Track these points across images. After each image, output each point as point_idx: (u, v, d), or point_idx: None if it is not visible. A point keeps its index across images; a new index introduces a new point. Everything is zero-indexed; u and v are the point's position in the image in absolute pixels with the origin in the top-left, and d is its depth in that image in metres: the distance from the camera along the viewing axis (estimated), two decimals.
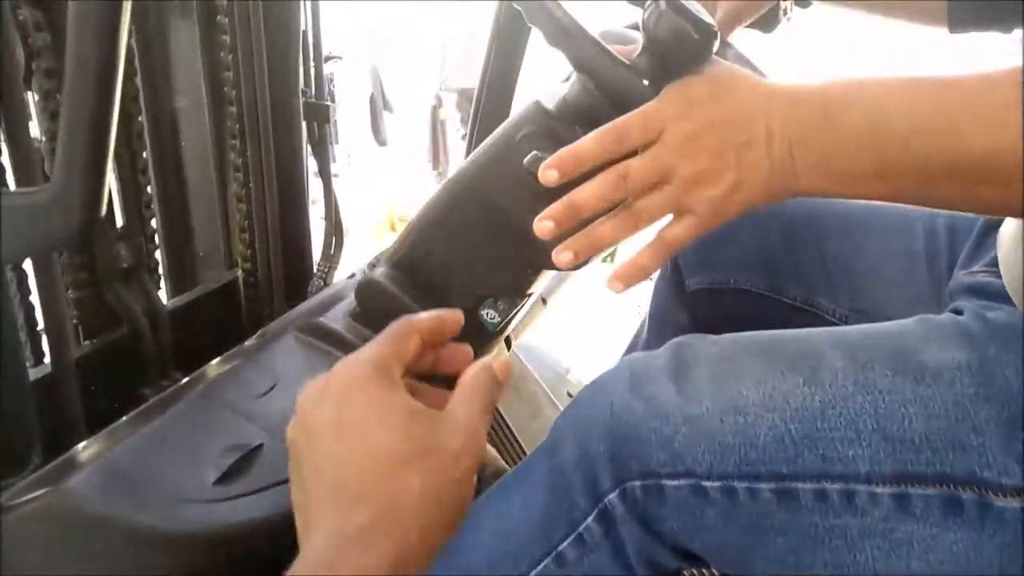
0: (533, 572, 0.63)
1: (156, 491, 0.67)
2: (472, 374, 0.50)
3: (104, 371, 0.95)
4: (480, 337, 0.82)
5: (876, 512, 0.55)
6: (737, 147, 0.58)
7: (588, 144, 0.61)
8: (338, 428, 0.45)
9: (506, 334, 0.96)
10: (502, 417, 1.08)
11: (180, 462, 0.70)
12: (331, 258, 1.17)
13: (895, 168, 0.56)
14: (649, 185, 0.60)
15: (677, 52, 0.61)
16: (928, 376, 0.56)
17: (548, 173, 0.61)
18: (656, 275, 1.08)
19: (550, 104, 0.70)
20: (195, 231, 1.15)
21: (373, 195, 4.55)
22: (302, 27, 1.07)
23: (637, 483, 0.60)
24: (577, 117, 0.68)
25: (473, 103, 1.30)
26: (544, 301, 1.17)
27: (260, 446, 0.71)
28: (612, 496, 0.61)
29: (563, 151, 0.61)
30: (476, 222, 0.74)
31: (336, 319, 0.87)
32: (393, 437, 0.44)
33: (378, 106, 4.13)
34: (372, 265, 0.88)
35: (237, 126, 1.05)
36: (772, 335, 0.64)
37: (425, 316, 0.52)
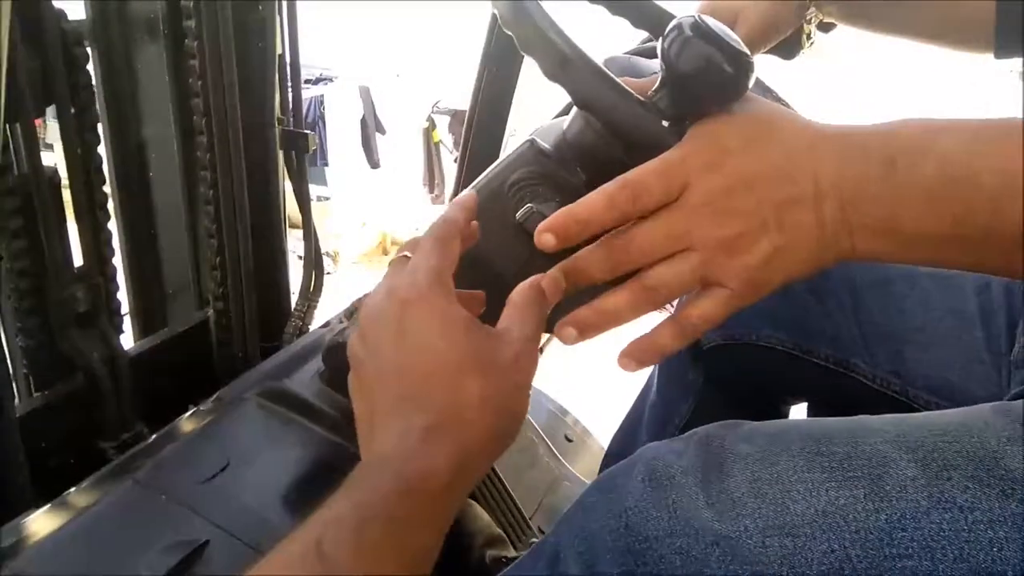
0: None
1: None
2: (522, 292, 0.51)
3: (57, 424, 0.87)
4: None
5: None
6: (777, 206, 0.48)
7: (595, 203, 0.51)
8: (400, 341, 0.46)
9: None
10: (495, 472, 0.99)
11: (119, 559, 0.60)
12: (310, 297, 1.09)
13: (978, 233, 0.45)
14: (666, 253, 0.51)
15: (705, 88, 0.51)
16: (1020, 489, 0.45)
17: (545, 238, 0.51)
18: None
19: (547, 143, 0.60)
20: (163, 269, 1.07)
21: (365, 218, 4.48)
22: (278, 51, 1.00)
23: None
24: (579, 158, 0.59)
25: (464, 126, 1.23)
26: None
27: (205, 544, 0.61)
28: None
29: (563, 212, 0.51)
30: (463, 279, 0.65)
31: (303, 383, 0.78)
32: (453, 348, 0.45)
33: (370, 128, 4.07)
34: (349, 313, 0.80)
35: (208, 156, 0.98)
36: (818, 427, 0.53)
37: (454, 210, 0.52)
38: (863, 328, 0.80)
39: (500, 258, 0.56)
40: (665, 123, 0.52)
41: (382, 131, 4.15)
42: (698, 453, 0.53)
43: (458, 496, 0.45)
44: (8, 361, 0.80)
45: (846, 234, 0.48)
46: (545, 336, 1.11)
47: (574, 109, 0.58)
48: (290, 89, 1.03)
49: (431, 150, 3.61)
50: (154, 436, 0.75)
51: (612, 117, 0.53)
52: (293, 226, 1.18)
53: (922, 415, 0.53)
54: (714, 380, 0.93)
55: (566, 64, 0.51)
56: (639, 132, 0.53)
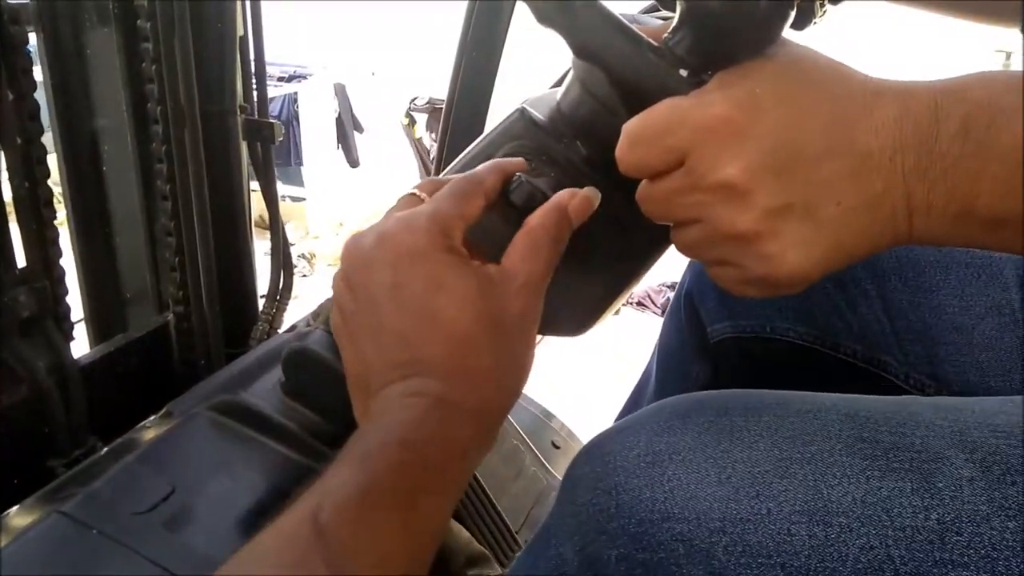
0: None
1: None
2: (539, 218, 0.45)
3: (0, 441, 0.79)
4: None
5: None
6: (819, 185, 0.40)
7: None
8: (397, 296, 0.42)
9: None
10: (477, 483, 0.92)
11: None
12: (279, 299, 1.02)
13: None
14: (678, 220, 0.45)
15: (734, 26, 0.41)
16: None
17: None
18: (664, 320, 0.91)
19: (540, 114, 0.53)
20: (119, 270, 1.00)
21: (343, 219, 4.40)
22: (239, 32, 0.92)
23: None
24: (576, 129, 0.51)
25: (441, 121, 1.17)
26: None
27: None
28: None
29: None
30: None
31: (263, 394, 0.71)
32: (462, 313, 0.42)
33: (347, 126, 3.99)
34: (316, 315, 0.73)
35: (164, 148, 0.90)
36: (862, 407, 0.47)
37: (487, 169, 0.47)
38: (895, 324, 0.72)
39: (486, 235, 0.48)
40: (684, 72, 0.44)
41: (359, 129, 4.08)
42: (709, 422, 0.47)
43: (471, 466, 0.43)
44: None
45: (904, 216, 0.41)
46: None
47: (569, 75, 0.51)
48: (253, 75, 0.96)
49: (416, 146, 3.53)
50: (85, 462, 0.66)
51: (618, 66, 0.45)
52: (260, 226, 1.11)
53: (976, 408, 0.46)
54: (724, 376, 0.85)
55: (563, 3, 0.43)
56: (651, 84, 0.44)
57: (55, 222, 0.84)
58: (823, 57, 0.43)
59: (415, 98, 3.56)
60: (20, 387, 0.82)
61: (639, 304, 3.44)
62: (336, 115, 3.91)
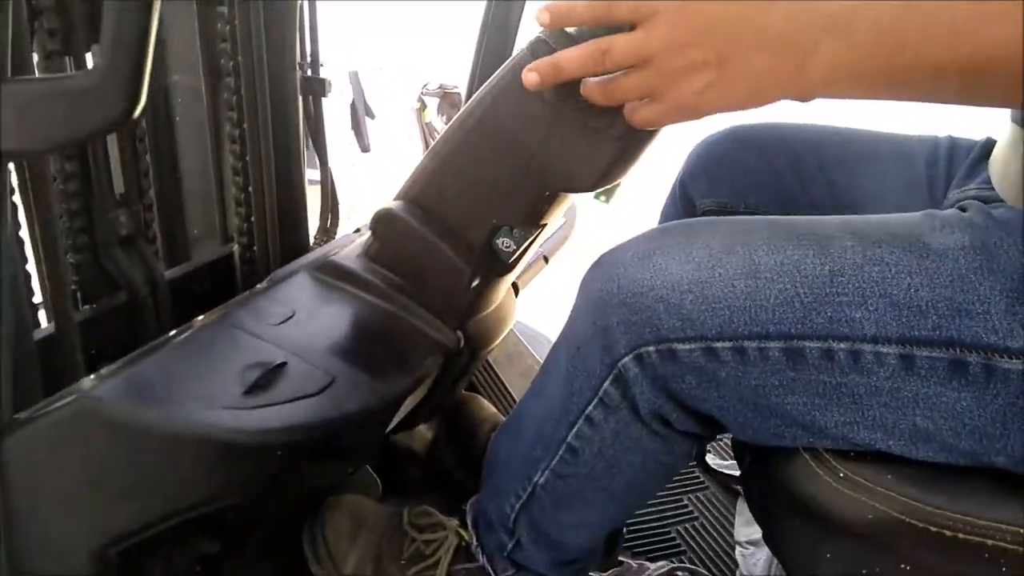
0: (571, 433, 0.74)
1: (184, 399, 0.69)
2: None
3: (100, 337, 0.94)
4: (494, 267, 0.86)
5: (882, 371, 0.60)
6: (723, 46, 0.58)
7: (572, 53, 0.63)
8: None
9: (516, 274, 0.99)
10: (500, 381, 1.09)
11: (205, 376, 0.72)
12: (327, 232, 1.17)
13: (905, 75, 0.55)
14: (629, 65, 0.61)
15: None
16: (933, 254, 0.60)
17: (529, 76, 0.64)
18: (664, 202, 1.12)
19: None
20: (190, 205, 1.15)
21: (355, 203, 4.54)
22: (298, 1, 1.08)
23: (652, 348, 0.65)
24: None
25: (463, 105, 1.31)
26: (546, 259, 1.19)
27: (284, 364, 0.73)
28: (626, 360, 0.67)
29: (545, 59, 0.64)
30: (490, 152, 0.77)
31: (351, 258, 0.89)
32: None
33: (360, 113, 4.13)
34: (357, 229, 0.90)
35: (234, 98, 1.06)
36: (787, 218, 0.67)
37: None
38: (834, 197, 0.94)
39: (522, 126, 0.70)
40: None
41: (371, 116, 4.21)
42: (683, 230, 0.68)
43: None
44: (66, 274, 0.88)
45: (793, 76, 0.57)
46: (545, 263, 1.20)
47: None
48: (308, 37, 1.11)
49: (424, 130, 3.68)
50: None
51: None
52: None
53: (867, 216, 0.67)
54: None
55: None
56: None
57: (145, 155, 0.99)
58: None
59: (426, 83, 3.71)
60: (119, 294, 0.97)
61: None
62: (350, 101, 4.05)
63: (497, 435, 0.91)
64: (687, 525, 1.20)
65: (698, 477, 1.31)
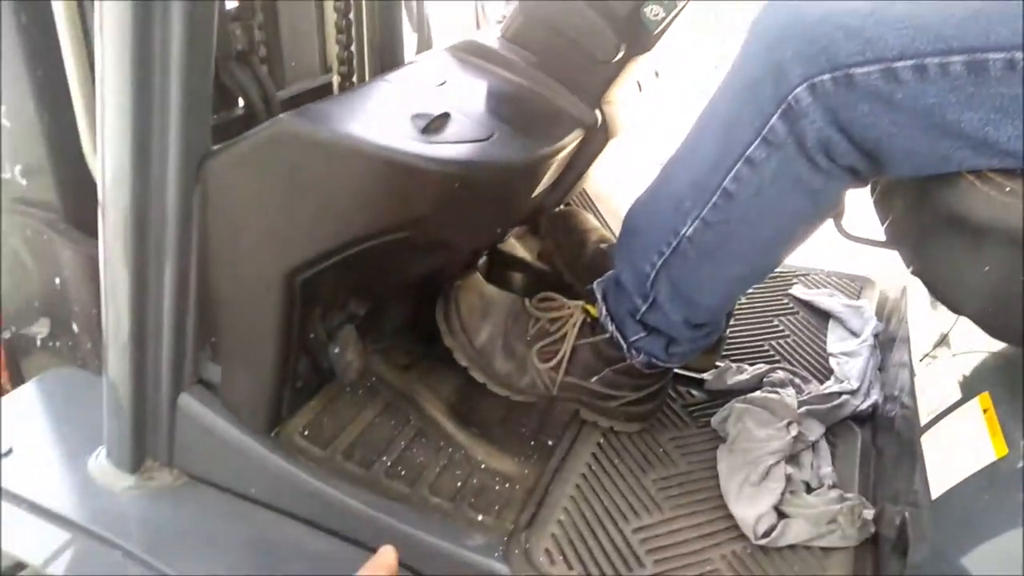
0: (728, 177, 0.76)
1: (370, 132, 0.73)
2: None
3: None
4: (640, 38, 0.89)
5: None
6: None
7: None
8: None
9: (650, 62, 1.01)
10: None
11: (383, 118, 0.77)
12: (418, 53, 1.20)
13: None
14: None
15: None
16: None
17: None
18: None
19: None
20: (290, 34, 1.18)
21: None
22: None
23: (827, 76, 0.66)
24: None
25: None
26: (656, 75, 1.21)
27: (446, 115, 0.79)
28: (799, 90, 0.68)
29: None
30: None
31: (491, 39, 0.94)
32: None
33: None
34: None
35: None
36: None
37: None
38: None
39: None
40: None
41: None
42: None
43: None
44: None
45: None
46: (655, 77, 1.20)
47: None
48: None
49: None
50: None
51: None
52: None
53: None
54: None
55: None
56: None
57: None
58: None
59: None
60: (235, 108, 1.01)
61: None
62: None
63: (634, 206, 0.92)
64: (780, 341, 1.23)
65: (788, 304, 1.33)
